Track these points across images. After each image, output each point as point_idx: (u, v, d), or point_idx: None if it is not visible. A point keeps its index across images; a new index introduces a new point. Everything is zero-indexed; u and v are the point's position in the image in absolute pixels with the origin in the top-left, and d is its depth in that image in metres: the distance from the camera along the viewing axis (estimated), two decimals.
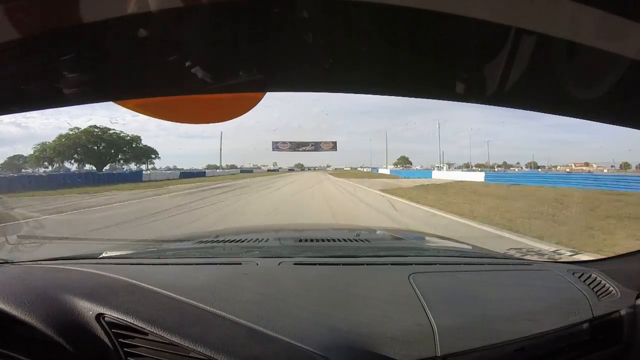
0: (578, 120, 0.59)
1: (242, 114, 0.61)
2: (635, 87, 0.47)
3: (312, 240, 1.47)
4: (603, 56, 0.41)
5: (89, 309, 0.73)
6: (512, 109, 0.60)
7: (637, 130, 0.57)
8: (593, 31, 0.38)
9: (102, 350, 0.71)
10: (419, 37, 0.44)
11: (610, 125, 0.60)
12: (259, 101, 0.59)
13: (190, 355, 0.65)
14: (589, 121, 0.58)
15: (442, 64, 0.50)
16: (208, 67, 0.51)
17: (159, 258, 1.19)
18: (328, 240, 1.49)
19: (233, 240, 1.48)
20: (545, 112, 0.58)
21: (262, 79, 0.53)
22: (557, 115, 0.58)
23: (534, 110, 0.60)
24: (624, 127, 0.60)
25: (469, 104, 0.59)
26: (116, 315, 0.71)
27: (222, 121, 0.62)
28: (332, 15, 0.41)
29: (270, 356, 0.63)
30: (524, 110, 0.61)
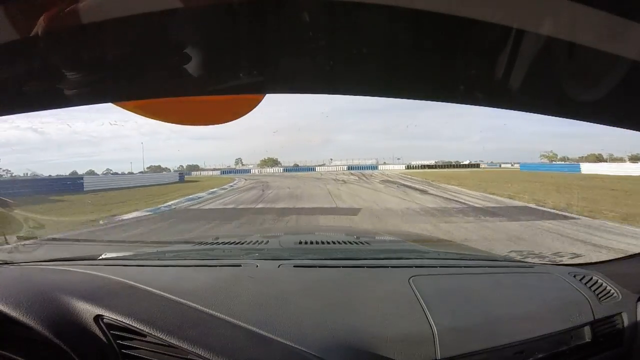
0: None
1: (241, 116, 0.60)
2: (636, 88, 0.47)
3: (312, 243, 1.47)
4: (604, 57, 0.41)
5: (87, 310, 0.73)
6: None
7: None
8: (594, 32, 0.38)
9: (100, 352, 0.70)
10: (420, 39, 0.44)
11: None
12: (258, 103, 0.59)
13: (188, 357, 0.65)
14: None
15: (443, 66, 0.50)
16: (208, 69, 0.51)
17: (158, 260, 1.19)
18: (328, 243, 1.48)
19: (233, 243, 1.48)
20: (545, 114, 0.58)
21: (262, 80, 0.53)
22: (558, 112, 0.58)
23: (535, 112, 0.59)
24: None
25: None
26: (115, 317, 0.71)
27: (221, 123, 0.62)
28: (332, 16, 0.41)
29: (269, 359, 0.63)
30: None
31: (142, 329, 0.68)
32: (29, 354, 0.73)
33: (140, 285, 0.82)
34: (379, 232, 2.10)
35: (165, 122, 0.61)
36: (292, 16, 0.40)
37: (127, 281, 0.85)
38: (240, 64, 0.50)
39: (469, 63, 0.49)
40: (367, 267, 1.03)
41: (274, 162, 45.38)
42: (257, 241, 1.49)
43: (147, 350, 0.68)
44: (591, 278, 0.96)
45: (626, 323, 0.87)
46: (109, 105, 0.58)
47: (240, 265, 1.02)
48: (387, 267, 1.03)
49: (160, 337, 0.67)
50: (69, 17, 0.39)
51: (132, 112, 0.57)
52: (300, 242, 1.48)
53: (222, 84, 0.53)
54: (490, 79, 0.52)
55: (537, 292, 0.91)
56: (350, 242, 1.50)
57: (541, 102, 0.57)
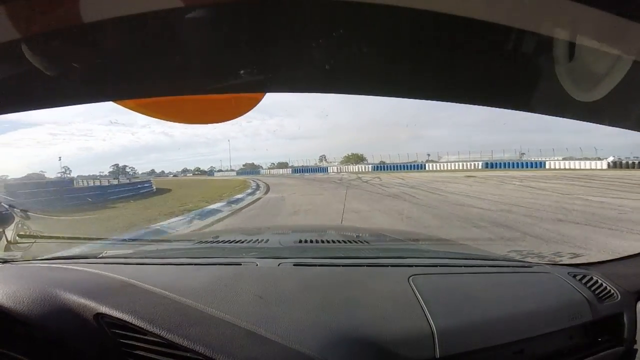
0: None
1: (241, 115, 0.60)
2: (636, 88, 0.47)
3: (312, 242, 1.47)
4: (604, 57, 0.41)
5: (88, 308, 0.73)
6: None
7: None
8: (594, 32, 0.38)
9: (101, 350, 0.71)
10: (420, 38, 0.44)
11: None
12: (258, 102, 0.59)
13: (188, 355, 0.65)
14: None
15: (444, 65, 0.50)
16: (208, 67, 0.51)
17: (158, 258, 1.19)
18: (328, 242, 1.48)
19: (233, 241, 1.48)
20: (546, 114, 0.58)
21: (262, 79, 0.53)
22: None
23: (535, 112, 0.59)
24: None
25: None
26: (115, 315, 0.71)
27: (221, 122, 0.62)
28: (333, 15, 0.41)
29: (268, 358, 0.63)
30: None
31: (143, 327, 0.69)
32: (29, 352, 0.73)
33: (141, 284, 0.82)
34: (378, 231, 2.10)
35: (166, 120, 0.61)
36: (292, 15, 0.40)
37: (127, 279, 0.85)
38: (240, 63, 0.50)
39: (469, 63, 0.49)
40: (367, 266, 1.03)
41: (358, 159, 38.10)
42: (257, 240, 1.50)
43: (147, 348, 0.69)
44: (590, 278, 0.96)
45: (625, 323, 0.87)
46: None
47: (240, 264, 1.02)
48: (387, 266, 1.03)
49: (161, 335, 0.67)
50: (69, 17, 0.39)
51: (133, 110, 0.57)
52: (300, 241, 1.48)
53: (222, 83, 0.53)
54: (491, 78, 0.52)
55: (536, 291, 0.91)
56: (350, 241, 1.51)
57: (541, 102, 0.57)
